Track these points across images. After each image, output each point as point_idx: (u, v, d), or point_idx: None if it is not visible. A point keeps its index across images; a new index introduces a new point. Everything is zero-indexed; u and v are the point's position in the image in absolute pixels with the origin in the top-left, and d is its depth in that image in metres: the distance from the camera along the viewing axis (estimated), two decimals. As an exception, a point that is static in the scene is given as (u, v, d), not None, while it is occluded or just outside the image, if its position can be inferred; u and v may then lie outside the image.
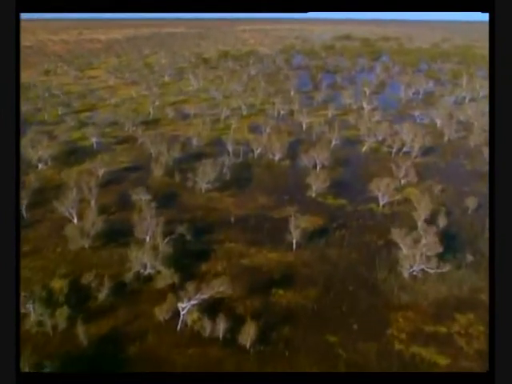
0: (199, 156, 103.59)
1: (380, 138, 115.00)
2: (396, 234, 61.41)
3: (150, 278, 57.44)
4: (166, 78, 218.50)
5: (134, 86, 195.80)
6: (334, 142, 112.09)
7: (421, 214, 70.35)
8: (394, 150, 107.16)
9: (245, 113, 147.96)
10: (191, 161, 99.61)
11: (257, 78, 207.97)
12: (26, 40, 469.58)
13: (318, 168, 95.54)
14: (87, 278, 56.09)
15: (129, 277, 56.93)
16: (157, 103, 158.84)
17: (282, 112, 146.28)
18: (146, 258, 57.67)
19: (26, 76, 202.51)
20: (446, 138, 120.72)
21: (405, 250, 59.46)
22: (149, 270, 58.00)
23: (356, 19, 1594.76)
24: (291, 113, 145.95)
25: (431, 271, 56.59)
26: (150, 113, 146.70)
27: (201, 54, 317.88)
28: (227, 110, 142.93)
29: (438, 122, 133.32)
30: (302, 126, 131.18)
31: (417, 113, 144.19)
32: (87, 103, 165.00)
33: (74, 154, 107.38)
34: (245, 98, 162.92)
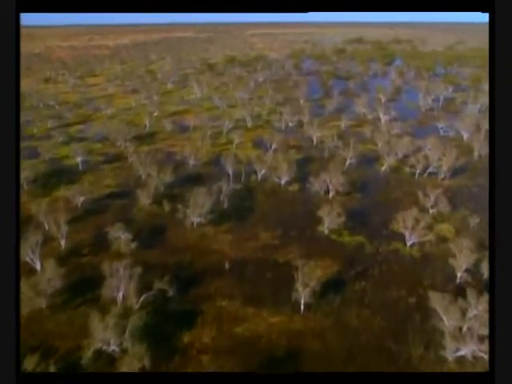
0: (194, 179, 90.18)
1: (401, 155, 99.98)
2: (435, 300, 46.77)
3: (113, 359, 43.73)
4: (169, 86, 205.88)
5: (133, 94, 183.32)
6: (348, 161, 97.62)
7: (461, 262, 55.59)
8: (418, 171, 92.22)
9: (250, 125, 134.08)
10: (185, 185, 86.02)
11: (264, 85, 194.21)
12: (35, 47, 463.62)
13: (330, 194, 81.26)
14: (31, 362, 42.46)
15: (86, 357, 43.25)
16: (155, 114, 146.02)
17: (290, 124, 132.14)
18: (111, 329, 44.04)
19: (24, 85, 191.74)
20: (475, 154, 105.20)
21: (447, 322, 44.92)
22: (113, 347, 44.30)
23: (367, 22, 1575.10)
24: (300, 124, 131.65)
25: (485, 356, 41.87)
26: (146, 125, 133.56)
27: (207, 60, 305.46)
28: (230, 121, 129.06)
29: (465, 135, 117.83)
30: (312, 141, 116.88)
31: (440, 124, 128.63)
32: (81, 114, 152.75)
33: (55, 176, 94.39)
34: (250, 107, 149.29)
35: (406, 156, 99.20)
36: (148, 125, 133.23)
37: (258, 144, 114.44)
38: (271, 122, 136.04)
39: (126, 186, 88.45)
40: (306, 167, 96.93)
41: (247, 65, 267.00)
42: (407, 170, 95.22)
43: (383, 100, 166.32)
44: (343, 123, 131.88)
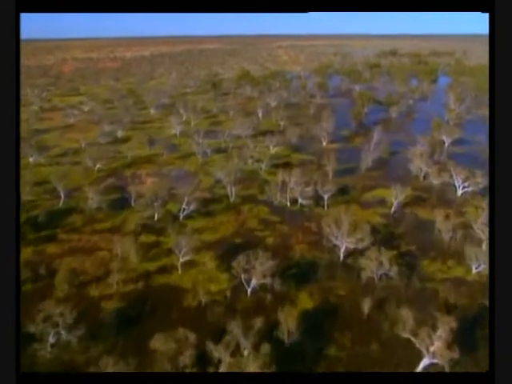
0: None
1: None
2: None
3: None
4: (152, 112, 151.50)
5: (96, 125, 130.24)
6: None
7: None
8: None
9: (233, 199, 76.92)
10: None
11: (276, 114, 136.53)
12: (45, 60, 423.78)
13: None
14: None
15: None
16: (97, 166, 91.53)
17: (302, 200, 73.28)
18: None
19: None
20: None
21: None
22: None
23: (395, 34, 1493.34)
24: (319, 199, 73.39)
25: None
26: (61, 195, 78.00)
27: (218, 75, 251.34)
28: (203, 192, 73.14)
29: None
30: (339, 250, 58.59)
31: None
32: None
33: None
34: (245, 157, 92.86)
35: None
36: (63, 195, 77.53)
37: (233, 252, 57.10)
38: (272, 192, 77.85)
39: None
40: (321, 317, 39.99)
41: (262, 82, 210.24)
42: None
43: (447, 142, 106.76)
44: (394, 195, 72.84)
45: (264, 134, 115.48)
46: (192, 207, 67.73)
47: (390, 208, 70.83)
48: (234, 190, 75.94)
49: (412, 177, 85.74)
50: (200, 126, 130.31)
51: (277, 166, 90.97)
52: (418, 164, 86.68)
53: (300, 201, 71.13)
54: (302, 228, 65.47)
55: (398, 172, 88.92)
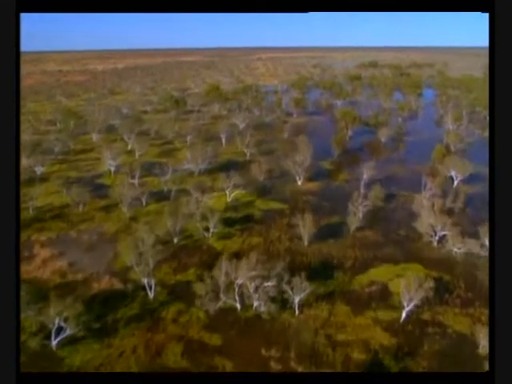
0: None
1: None
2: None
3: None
4: (94, 138, 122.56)
5: None
6: None
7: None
8: None
9: (153, 296, 49.13)
10: None
11: (243, 138, 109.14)
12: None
13: None
14: None
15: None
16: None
17: (260, 302, 46.00)
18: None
19: None
20: None
21: None
22: None
23: (374, 46, 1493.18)
24: (286, 298, 46.21)
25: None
26: None
27: (185, 90, 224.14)
28: (111, 277, 45.69)
29: None
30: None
31: None
32: None
33: None
34: (188, 210, 64.92)
35: None
36: None
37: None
38: (207, 290, 49.98)
39: None
40: None
41: (232, 98, 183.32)
42: None
43: (456, 178, 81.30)
44: (402, 285, 45.80)
45: (224, 168, 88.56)
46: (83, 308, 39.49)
47: (398, 309, 43.83)
48: (153, 280, 47.67)
49: (422, 244, 59.03)
50: (147, 156, 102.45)
51: (232, 223, 63.82)
52: (427, 220, 60.15)
53: (256, 305, 43.44)
54: (258, 357, 37.94)
55: (399, 235, 62.21)
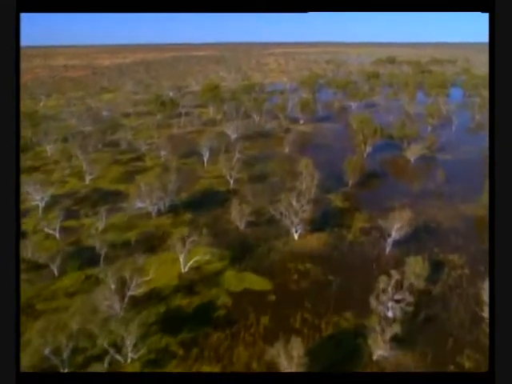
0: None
1: None
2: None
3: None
4: (48, 151, 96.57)
5: None
6: None
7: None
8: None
9: None
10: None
11: (230, 156, 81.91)
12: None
13: None
14: None
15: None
16: None
17: None
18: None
19: None
20: None
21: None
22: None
23: (394, 42, 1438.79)
24: None
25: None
26: None
27: (183, 88, 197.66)
28: None
29: None
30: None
31: None
32: None
33: None
34: (117, 285, 38.56)
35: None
36: None
37: None
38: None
39: None
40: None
41: (232, 98, 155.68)
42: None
43: None
44: None
45: (196, 206, 61.95)
46: None
47: None
48: None
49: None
50: (98, 184, 76.28)
51: (175, 332, 37.26)
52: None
53: None
54: None
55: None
